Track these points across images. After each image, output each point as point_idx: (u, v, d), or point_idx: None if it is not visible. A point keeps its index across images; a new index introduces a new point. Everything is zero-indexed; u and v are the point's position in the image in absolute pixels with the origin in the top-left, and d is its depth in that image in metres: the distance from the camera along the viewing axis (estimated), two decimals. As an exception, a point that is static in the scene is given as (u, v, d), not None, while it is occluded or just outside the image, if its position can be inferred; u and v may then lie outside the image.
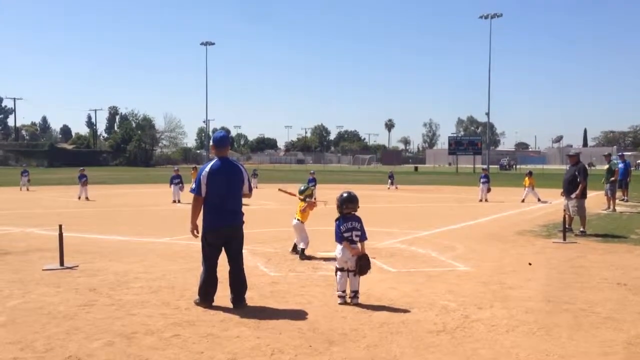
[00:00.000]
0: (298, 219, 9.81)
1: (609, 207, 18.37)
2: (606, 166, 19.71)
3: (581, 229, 12.58)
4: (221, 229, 6.44)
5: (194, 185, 6.50)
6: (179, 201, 21.72)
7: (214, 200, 6.39)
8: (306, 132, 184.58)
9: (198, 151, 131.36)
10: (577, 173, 12.81)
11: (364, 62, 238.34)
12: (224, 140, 6.72)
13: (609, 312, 6.28)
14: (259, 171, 36.91)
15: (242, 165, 6.82)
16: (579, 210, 12.72)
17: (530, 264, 9.12)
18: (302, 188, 10.19)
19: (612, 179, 18.82)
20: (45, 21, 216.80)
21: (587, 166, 13.32)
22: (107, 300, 6.71)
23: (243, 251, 6.69)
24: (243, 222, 6.62)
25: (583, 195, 12.75)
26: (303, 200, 9.99)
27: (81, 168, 25.35)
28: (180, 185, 22.57)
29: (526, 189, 22.41)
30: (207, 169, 6.43)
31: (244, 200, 6.76)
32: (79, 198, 23.11)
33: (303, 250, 9.61)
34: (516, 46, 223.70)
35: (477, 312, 6.25)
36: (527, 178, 22.64)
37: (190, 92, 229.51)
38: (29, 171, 32.01)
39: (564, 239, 11.49)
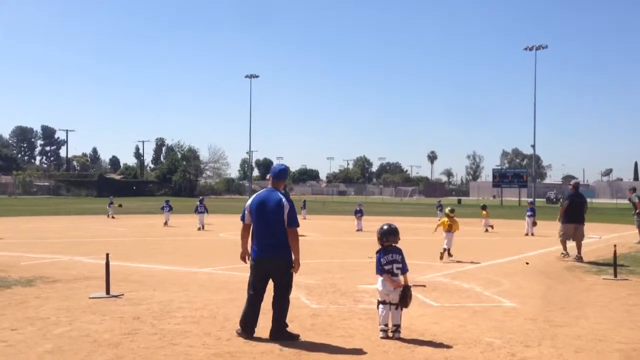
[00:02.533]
0: (451, 231, 13.99)
1: None
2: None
3: (577, 255, 13.75)
4: (260, 260, 6.46)
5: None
6: (202, 227, 23.62)
7: (256, 231, 6.48)
8: (348, 164, 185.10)
9: (241, 182, 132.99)
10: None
11: (407, 94, 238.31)
12: (280, 172, 6.72)
13: (664, 353, 6.01)
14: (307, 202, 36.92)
15: (287, 196, 6.65)
16: (562, 235, 14.22)
17: (527, 263, 9.33)
18: (452, 208, 14.56)
19: (637, 211, 19.69)
20: (102, 55, 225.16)
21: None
22: (150, 329, 6.79)
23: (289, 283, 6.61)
24: (285, 256, 6.43)
25: (569, 220, 14.17)
26: (452, 218, 14.18)
27: (166, 199, 29.46)
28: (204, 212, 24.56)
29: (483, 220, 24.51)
30: (253, 197, 6.60)
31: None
32: (165, 224, 25.22)
33: (446, 250, 13.77)
34: (562, 77, 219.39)
35: (524, 351, 6.06)
36: (484, 211, 25.12)
37: (234, 123, 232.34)
38: (113, 202, 35.50)
39: (615, 275, 11.10)
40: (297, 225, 6.52)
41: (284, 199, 6.53)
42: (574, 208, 14.25)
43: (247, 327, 6.46)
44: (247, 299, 6.54)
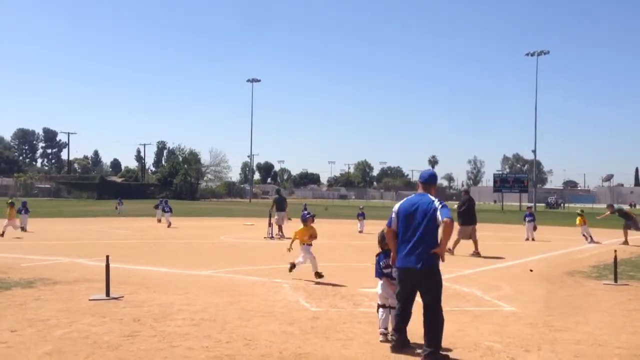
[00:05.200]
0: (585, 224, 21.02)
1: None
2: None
3: (475, 251, 15.77)
4: (404, 270, 6.19)
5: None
6: (168, 225, 26.35)
7: (402, 237, 6.22)
8: (349, 168, 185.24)
9: (242, 185, 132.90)
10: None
11: (408, 99, 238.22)
12: (423, 177, 6.51)
13: (664, 358, 6.00)
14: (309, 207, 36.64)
15: (434, 198, 6.21)
16: (460, 235, 15.99)
17: (531, 270, 9.34)
18: (581, 210, 20.41)
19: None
20: (104, 58, 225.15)
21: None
22: (150, 331, 6.79)
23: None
24: (431, 265, 6.12)
25: (467, 222, 16.14)
26: (582, 216, 21.17)
27: (163, 195, 31.16)
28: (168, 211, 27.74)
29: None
30: (401, 202, 6.47)
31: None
32: (165, 223, 27.00)
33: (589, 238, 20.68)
34: (564, 83, 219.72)
35: (524, 355, 6.07)
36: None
37: (235, 127, 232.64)
38: (171, 207, 29.04)
39: (616, 280, 11.09)
40: (449, 217, 5.95)
41: (432, 201, 6.14)
42: (469, 211, 16.19)
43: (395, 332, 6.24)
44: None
